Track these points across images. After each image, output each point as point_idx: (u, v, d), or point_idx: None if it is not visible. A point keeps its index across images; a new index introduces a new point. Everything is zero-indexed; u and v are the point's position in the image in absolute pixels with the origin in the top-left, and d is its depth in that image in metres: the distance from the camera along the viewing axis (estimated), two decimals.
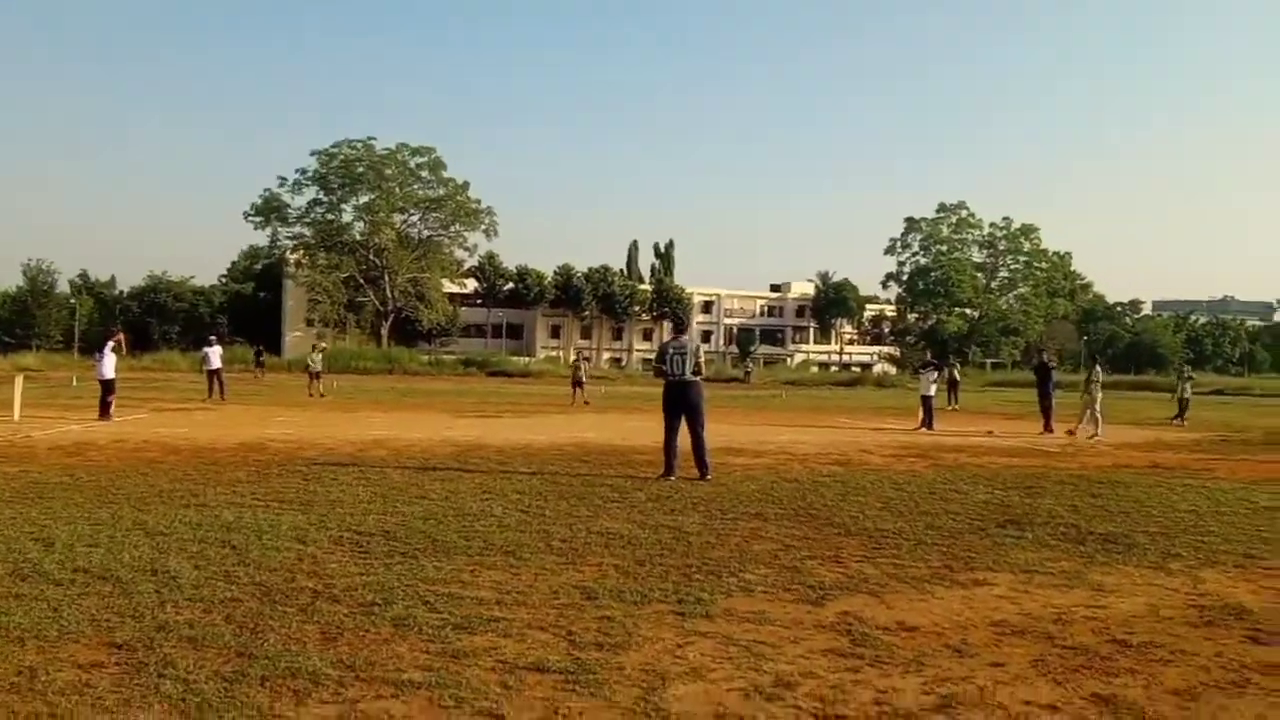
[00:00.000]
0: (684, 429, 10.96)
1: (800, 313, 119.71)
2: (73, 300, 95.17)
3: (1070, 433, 19.15)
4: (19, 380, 19.46)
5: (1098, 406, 19.40)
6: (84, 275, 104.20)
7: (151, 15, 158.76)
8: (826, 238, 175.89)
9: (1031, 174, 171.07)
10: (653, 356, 31.56)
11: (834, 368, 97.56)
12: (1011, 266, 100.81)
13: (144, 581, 5.53)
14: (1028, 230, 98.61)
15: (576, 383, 30.17)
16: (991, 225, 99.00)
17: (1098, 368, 20.66)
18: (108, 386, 18.32)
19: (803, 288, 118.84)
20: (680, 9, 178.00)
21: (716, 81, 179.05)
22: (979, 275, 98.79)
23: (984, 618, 5.24)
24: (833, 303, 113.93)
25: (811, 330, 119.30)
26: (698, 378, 11.13)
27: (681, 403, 10.99)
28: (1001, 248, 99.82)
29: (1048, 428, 20.03)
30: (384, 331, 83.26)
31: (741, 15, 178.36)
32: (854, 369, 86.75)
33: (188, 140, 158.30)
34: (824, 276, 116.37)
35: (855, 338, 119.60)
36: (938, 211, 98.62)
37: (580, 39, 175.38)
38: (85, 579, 5.57)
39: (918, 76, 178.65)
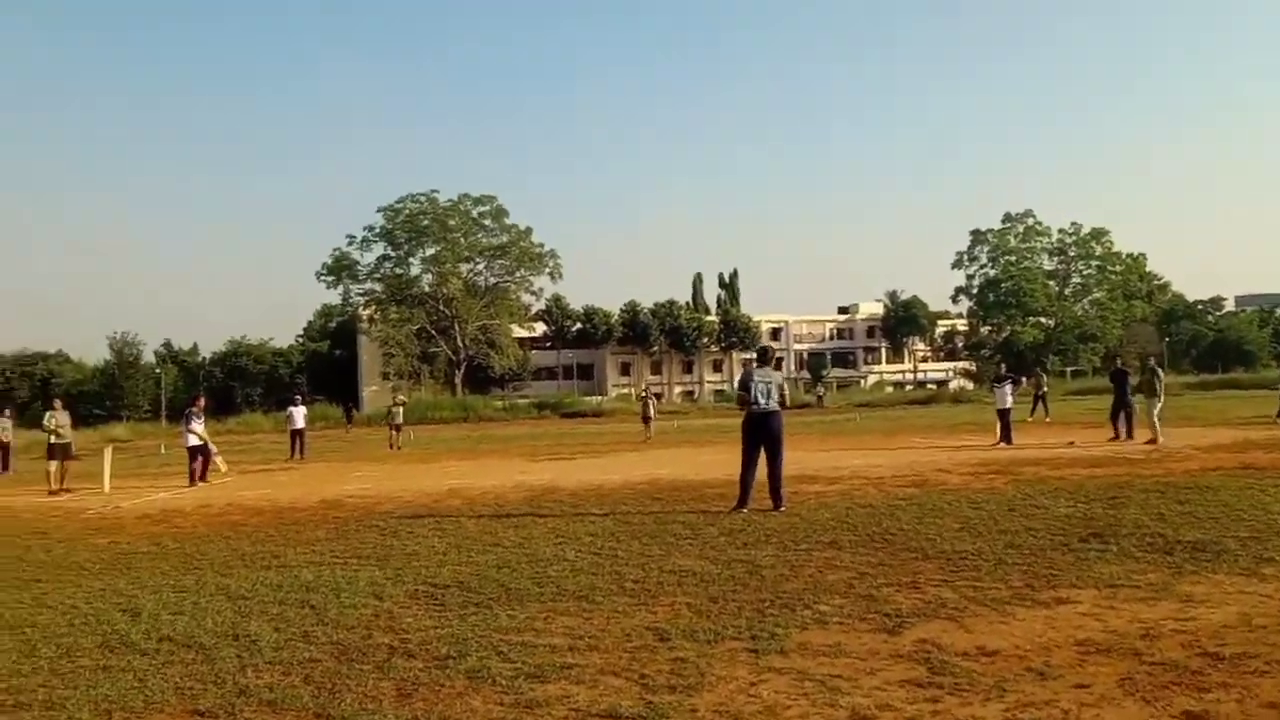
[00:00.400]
0: (762, 460, 10.89)
1: (871, 333, 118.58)
2: (158, 370, 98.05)
3: (1151, 443, 18.55)
4: (108, 452, 20.08)
5: (1155, 412, 18.77)
6: (167, 344, 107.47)
7: (218, 82, 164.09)
8: (893, 256, 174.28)
9: (1097, 176, 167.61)
10: (728, 389, 31.74)
11: (908, 386, 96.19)
12: (1084, 272, 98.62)
13: (226, 647, 5.64)
14: (1098, 234, 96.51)
15: (646, 418, 30.32)
16: (1060, 231, 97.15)
17: (1159, 369, 19.95)
18: (193, 453, 18.75)
19: (871, 308, 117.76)
20: (728, 41, 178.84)
21: (768, 109, 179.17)
22: (1051, 283, 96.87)
23: (1067, 637, 5.10)
24: (903, 321, 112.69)
25: (883, 350, 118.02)
26: (782, 408, 11.08)
27: (764, 433, 10.93)
28: (1072, 254, 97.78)
29: (1129, 434, 19.46)
30: (458, 380, 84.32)
31: (792, 43, 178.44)
32: (929, 386, 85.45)
33: (261, 203, 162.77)
34: (892, 295, 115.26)
35: (929, 355, 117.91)
36: (1004, 222, 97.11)
37: (630, 73, 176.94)
38: (170, 647, 5.70)
39: (974, 84, 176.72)
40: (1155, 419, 18.67)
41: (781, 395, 11.00)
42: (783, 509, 10.52)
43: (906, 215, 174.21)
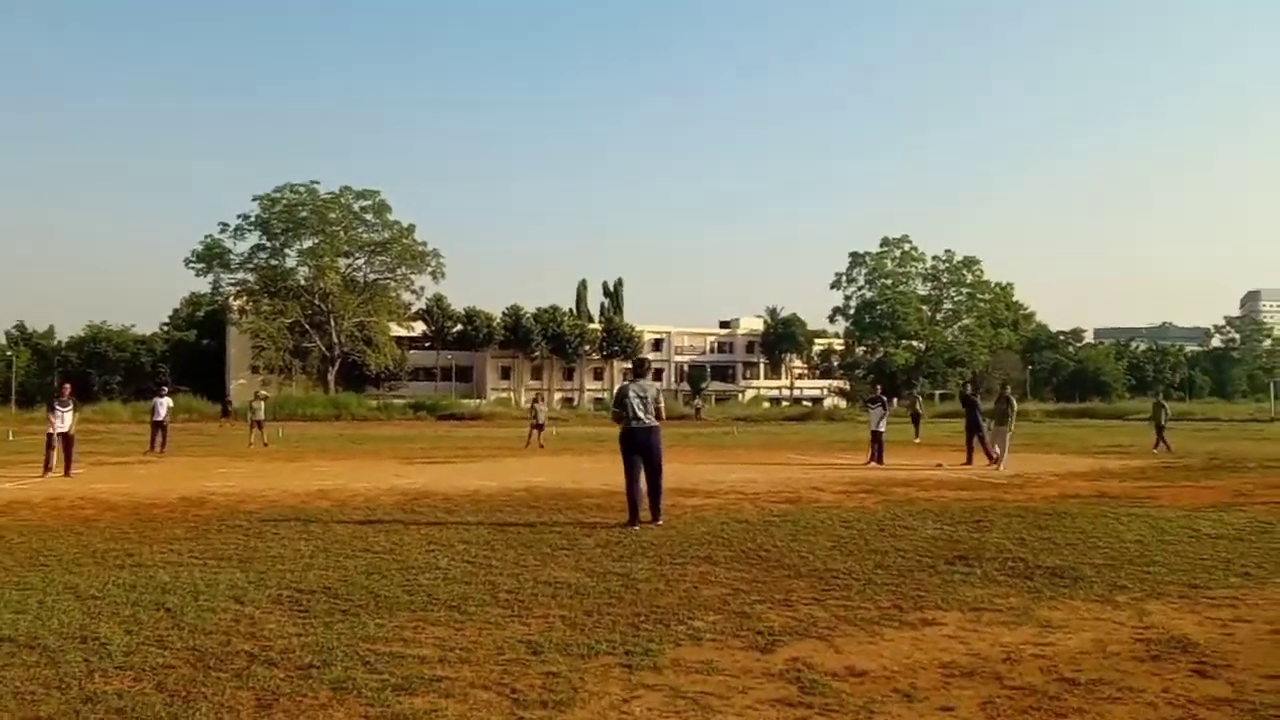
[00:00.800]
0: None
1: (750, 348, 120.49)
2: (10, 352, 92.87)
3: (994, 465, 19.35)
4: None
5: (1007, 438, 19.52)
6: (20, 326, 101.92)
7: (92, 58, 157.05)
8: (773, 273, 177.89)
9: (971, 205, 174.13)
10: (608, 397, 31.49)
11: (785, 403, 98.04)
12: (955, 298, 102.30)
13: (73, 650, 5.32)
14: (970, 262, 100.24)
15: (536, 425, 29.84)
16: (934, 258, 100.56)
17: (1011, 397, 20.69)
18: (50, 441, 17.75)
19: (752, 323, 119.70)
20: (622, 41, 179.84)
21: (662, 118, 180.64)
22: (924, 308, 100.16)
23: (933, 659, 5.20)
24: (782, 338, 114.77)
25: (762, 366, 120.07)
26: (658, 422, 10.88)
27: (643, 448, 10.77)
28: (945, 280, 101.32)
29: (969, 459, 20.31)
30: (331, 377, 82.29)
31: (683, 51, 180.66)
32: (805, 404, 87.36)
33: (127, 186, 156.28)
34: (772, 312, 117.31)
35: (805, 372, 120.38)
36: (881, 245, 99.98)
37: (522, 76, 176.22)
38: (10, 648, 5.36)
39: (859, 109, 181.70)
40: (1006, 444, 19.39)
41: (658, 408, 10.84)
42: (661, 522, 10.48)
43: (788, 233, 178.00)
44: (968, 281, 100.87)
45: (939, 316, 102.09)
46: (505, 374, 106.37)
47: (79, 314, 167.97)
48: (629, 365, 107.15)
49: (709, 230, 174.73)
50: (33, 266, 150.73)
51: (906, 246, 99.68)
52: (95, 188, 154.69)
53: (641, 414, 10.75)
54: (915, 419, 32.88)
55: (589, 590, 6.98)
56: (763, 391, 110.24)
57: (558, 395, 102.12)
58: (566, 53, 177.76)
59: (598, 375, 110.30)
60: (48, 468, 17.53)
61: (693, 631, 5.76)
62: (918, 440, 30.38)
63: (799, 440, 33.14)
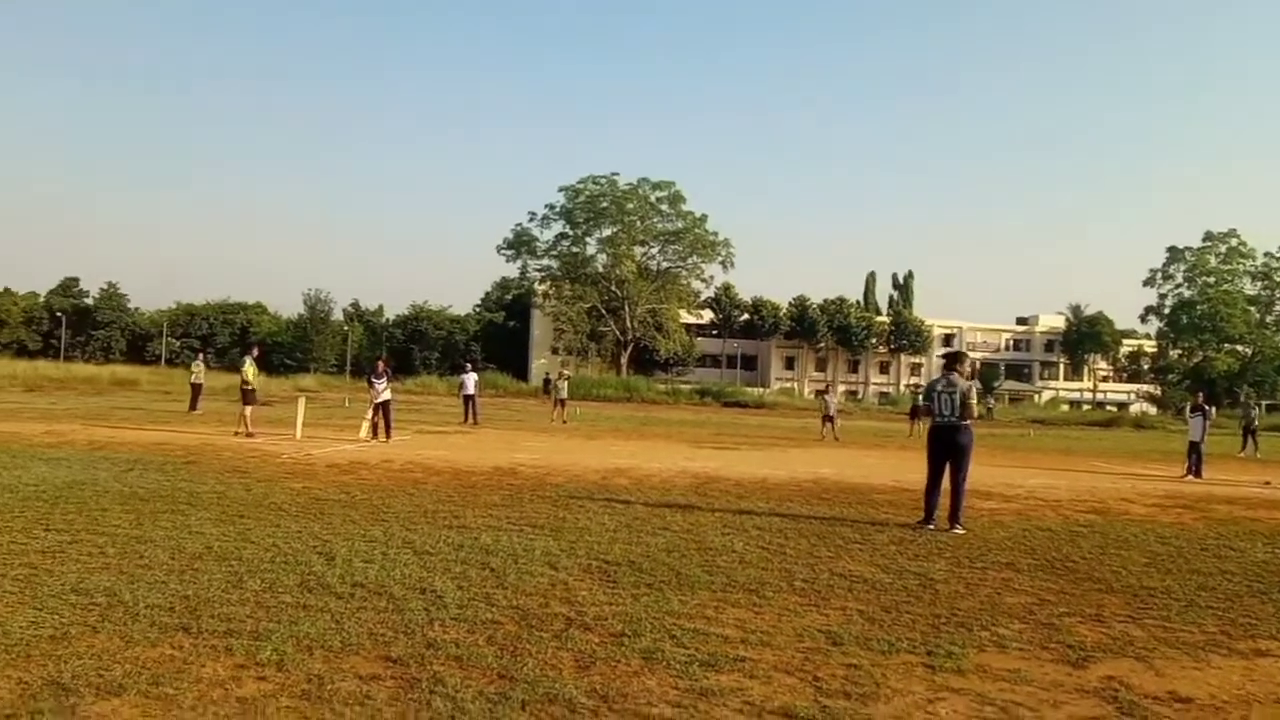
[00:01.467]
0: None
1: (1049, 347, 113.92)
2: (346, 327, 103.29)
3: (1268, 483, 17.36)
4: (301, 402, 21.30)
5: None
6: (355, 304, 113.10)
7: (417, 56, 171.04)
8: (1078, 268, 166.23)
9: None
10: (895, 392, 30.77)
11: (1086, 406, 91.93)
12: None
13: (414, 599, 5.93)
14: None
15: (828, 417, 29.81)
16: (1267, 255, 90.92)
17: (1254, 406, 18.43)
18: (376, 409, 19.63)
19: (1052, 320, 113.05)
20: (918, 36, 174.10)
21: (952, 106, 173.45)
22: (1252, 309, 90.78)
23: (1269, 693, 4.82)
24: (1085, 337, 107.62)
25: (1062, 366, 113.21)
26: (967, 421, 10.41)
27: (949, 447, 10.37)
28: (1278, 279, 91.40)
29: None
30: (623, 360, 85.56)
31: (982, 35, 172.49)
32: (1109, 408, 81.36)
33: (448, 176, 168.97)
34: (1075, 309, 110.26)
35: (1110, 375, 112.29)
36: (1204, 240, 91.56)
37: (815, 72, 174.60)
38: (363, 594, 6.04)
39: (1177, 93, 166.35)
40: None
41: (966, 407, 10.31)
42: (959, 529, 9.97)
43: (1096, 226, 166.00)
44: None
45: (1269, 319, 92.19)
46: (789, 364, 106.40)
47: (405, 295, 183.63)
48: (941, 355, 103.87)
49: (1005, 221, 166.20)
50: (367, 250, 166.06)
51: (1234, 241, 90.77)
52: (421, 183, 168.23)
53: (947, 410, 10.37)
54: (1248, 432, 29.93)
55: (886, 586, 6.96)
56: (1062, 393, 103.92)
57: (841, 388, 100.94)
58: (865, 42, 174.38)
59: (883, 369, 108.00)
60: (374, 433, 19.38)
61: (997, 638, 5.62)
62: (1242, 454, 27.68)
63: (1103, 447, 31.05)
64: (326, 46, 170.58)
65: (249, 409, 19.67)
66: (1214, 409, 29.18)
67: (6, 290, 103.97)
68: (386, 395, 19.73)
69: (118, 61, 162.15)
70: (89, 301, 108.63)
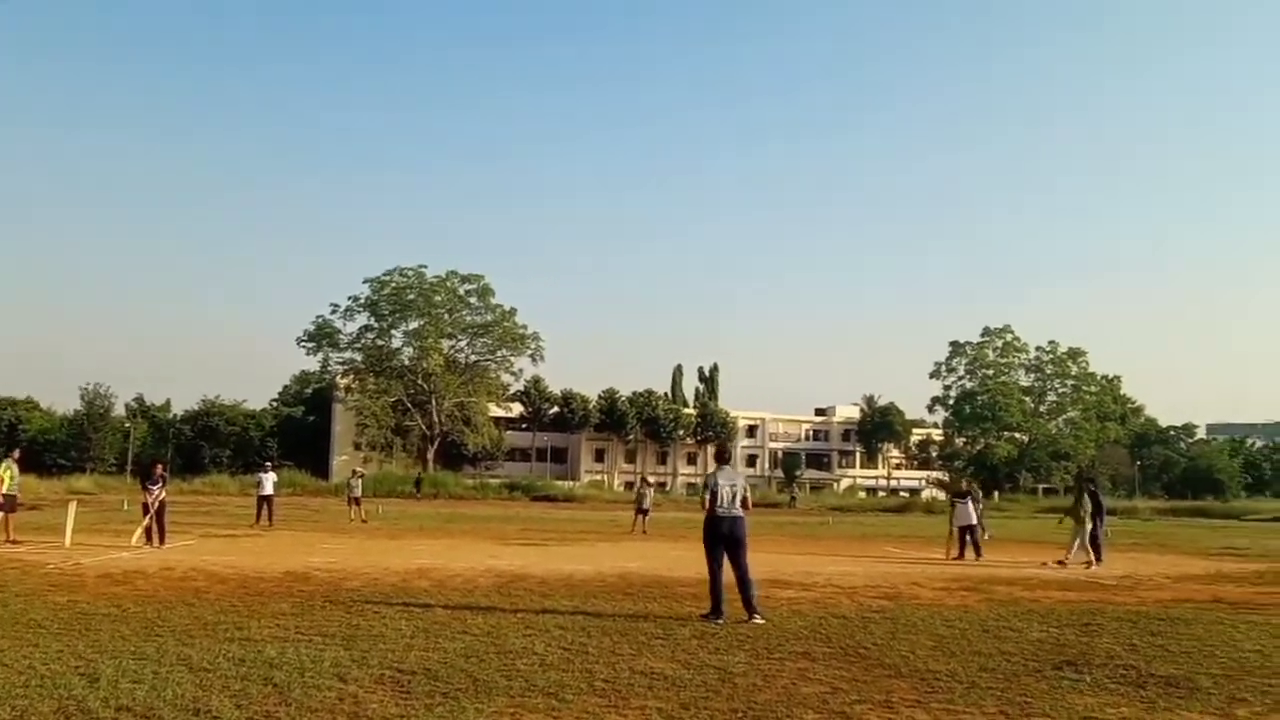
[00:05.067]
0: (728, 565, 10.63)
1: (846, 436, 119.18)
2: (128, 424, 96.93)
3: (1060, 563, 18.63)
4: (72, 507, 19.75)
5: (1087, 533, 18.79)
6: (140, 399, 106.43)
7: (208, 144, 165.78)
8: (870, 361, 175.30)
9: (1075, 295, 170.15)
10: (698, 484, 30.99)
11: (882, 493, 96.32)
12: (1060, 390, 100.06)
13: None
14: (1075, 354, 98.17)
15: (641, 510, 29.43)
16: (1038, 349, 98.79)
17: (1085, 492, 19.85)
18: (156, 513, 18.47)
19: (848, 411, 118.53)
20: (713, 133, 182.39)
21: (755, 207, 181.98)
22: (1027, 399, 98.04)
23: None
24: (879, 426, 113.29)
25: (858, 454, 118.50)
26: (744, 512, 10.67)
27: (729, 537, 10.53)
28: (1049, 371, 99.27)
29: (1098, 558, 19.42)
30: (430, 455, 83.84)
31: (776, 140, 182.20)
32: (902, 494, 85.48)
33: (242, 265, 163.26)
34: (869, 400, 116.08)
35: (902, 462, 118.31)
36: (982, 335, 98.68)
37: (616, 161, 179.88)
38: (129, 718, 5.56)
39: (953, 199, 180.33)
40: (1088, 542, 18.70)
41: (745, 498, 10.62)
42: (758, 619, 10.05)
43: (885, 321, 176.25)
44: (1073, 373, 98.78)
45: (1043, 408, 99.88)
46: (599, 456, 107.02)
47: (194, 389, 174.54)
48: (715, 451, 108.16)
49: (804, 318, 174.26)
50: (150, 342, 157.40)
51: (1009, 336, 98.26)
52: (213, 267, 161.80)
53: (729, 503, 10.57)
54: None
55: (685, 683, 6.94)
56: (859, 481, 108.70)
57: (650, 479, 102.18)
58: (663, 135, 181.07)
59: (691, 460, 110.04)
60: (148, 539, 18.21)
61: None
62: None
63: (897, 533, 32.40)
64: (113, 108, 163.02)
65: (8, 516, 18.09)
66: (980, 493, 30.62)
67: None
68: (162, 498, 18.68)
69: None
70: None
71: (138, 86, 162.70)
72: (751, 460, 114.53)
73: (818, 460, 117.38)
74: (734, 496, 10.59)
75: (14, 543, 17.30)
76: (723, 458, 11.54)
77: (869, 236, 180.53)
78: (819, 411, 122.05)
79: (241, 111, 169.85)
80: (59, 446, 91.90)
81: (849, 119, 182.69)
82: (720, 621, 10.05)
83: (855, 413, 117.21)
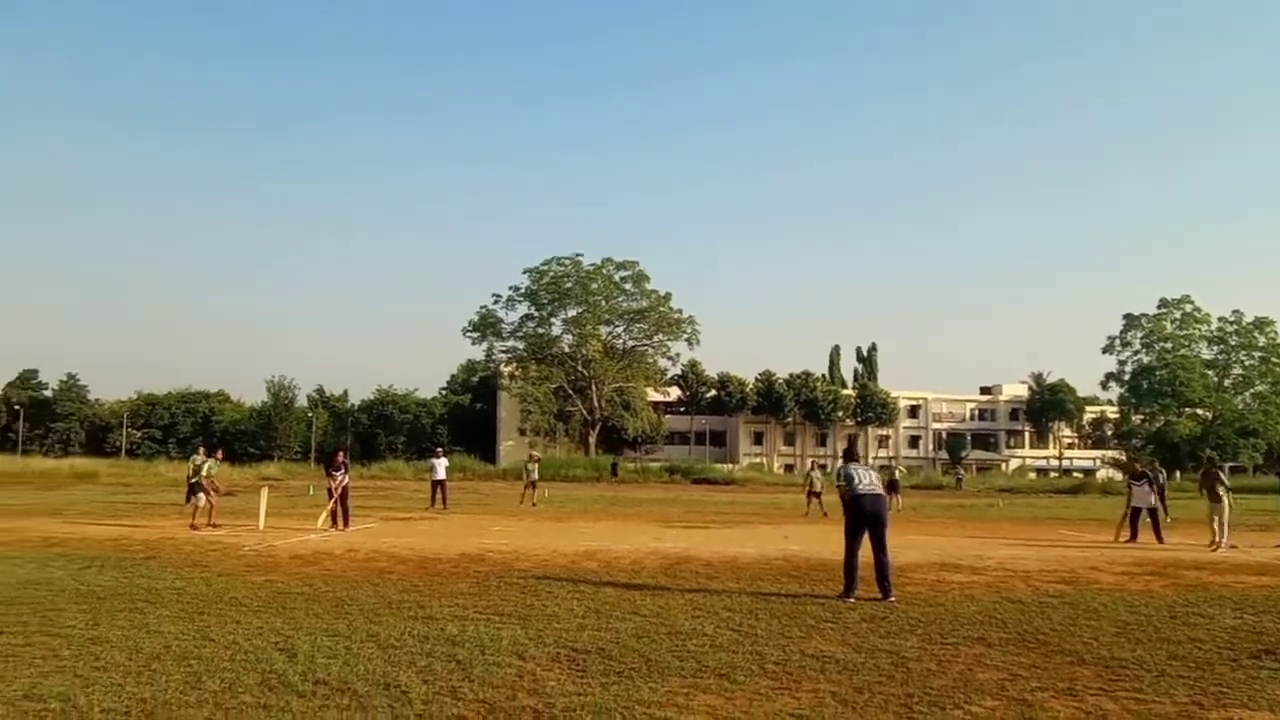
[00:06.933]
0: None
1: (1014, 415, 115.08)
2: (310, 414, 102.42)
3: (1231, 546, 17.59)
4: (264, 492, 20.99)
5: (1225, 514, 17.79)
6: (320, 390, 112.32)
7: (375, 143, 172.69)
8: (1038, 336, 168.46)
9: (1260, 261, 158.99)
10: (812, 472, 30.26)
11: (1053, 474, 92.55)
12: (1246, 363, 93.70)
13: (378, 695, 5.80)
14: (1262, 324, 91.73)
15: (814, 493, 28.99)
16: (1220, 320, 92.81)
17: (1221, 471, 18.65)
18: (340, 497, 19.48)
19: (1015, 389, 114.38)
20: (873, 115, 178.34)
21: (915, 177, 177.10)
22: (1210, 373, 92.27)
23: None
24: (1049, 404, 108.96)
25: (1027, 434, 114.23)
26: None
27: (874, 516, 10.60)
28: (1233, 343, 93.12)
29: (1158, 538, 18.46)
30: (591, 439, 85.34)
31: (941, 116, 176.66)
32: (1075, 475, 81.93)
33: (414, 259, 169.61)
34: (1038, 377, 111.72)
35: (1075, 441, 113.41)
36: (1159, 307, 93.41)
37: (775, 145, 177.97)
38: (325, 691, 5.90)
39: (1123, 163, 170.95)
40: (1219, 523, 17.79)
41: (893, 481, 10.89)
42: (894, 599, 10.15)
43: (1055, 294, 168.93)
44: (1260, 345, 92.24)
45: (1227, 382, 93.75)
46: (758, 439, 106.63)
47: (370, 380, 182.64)
48: (886, 433, 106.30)
49: (967, 293, 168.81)
50: (331, 336, 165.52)
51: (1188, 307, 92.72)
52: (387, 261, 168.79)
53: (867, 480, 10.73)
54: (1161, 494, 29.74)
55: (857, 666, 6.89)
56: (1028, 461, 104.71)
57: (809, 461, 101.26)
58: (827, 119, 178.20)
59: (851, 442, 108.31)
60: (333, 522, 19.22)
61: (971, 717, 5.57)
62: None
63: (1070, 515, 31.15)
64: (292, 136, 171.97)
65: (208, 498, 19.36)
66: (1164, 474, 29.01)
67: None
68: (345, 484, 19.69)
69: (73, 156, 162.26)
70: (48, 393, 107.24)
71: (327, 87, 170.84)
72: (914, 441, 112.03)
73: (984, 441, 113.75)
74: (872, 477, 10.80)
75: (214, 526, 18.58)
76: (851, 455, 11.66)
77: (1032, 205, 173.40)
78: (984, 390, 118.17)
79: (410, 116, 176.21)
80: (248, 436, 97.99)
81: (1022, 70, 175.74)
82: (851, 600, 10.12)
83: (1023, 391, 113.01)
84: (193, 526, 18.62)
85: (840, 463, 11.19)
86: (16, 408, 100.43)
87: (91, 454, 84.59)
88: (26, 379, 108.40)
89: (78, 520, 20.47)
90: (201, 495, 19.56)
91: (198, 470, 20.41)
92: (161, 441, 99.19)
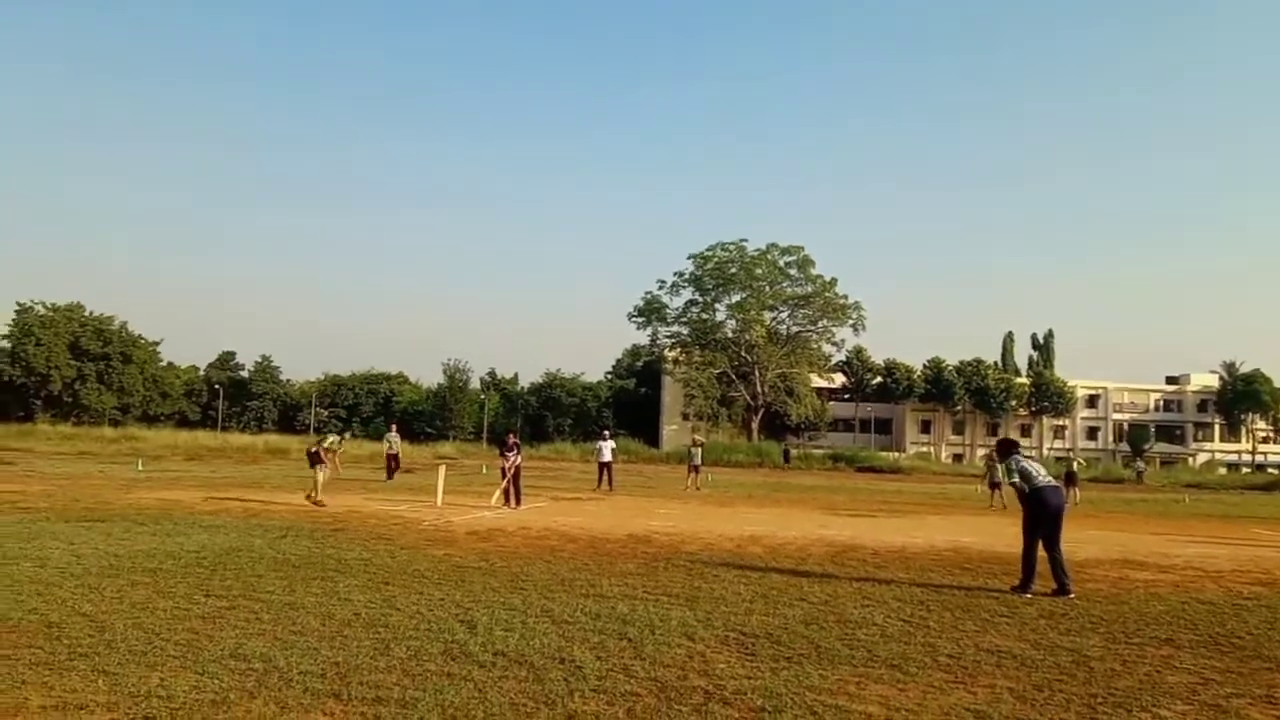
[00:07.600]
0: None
1: (1202, 407, 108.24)
2: (483, 396, 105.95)
3: None
4: (441, 470, 21.85)
5: None
6: (492, 373, 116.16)
7: (539, 149, 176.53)
8: (1230, 323, 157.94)
9: None
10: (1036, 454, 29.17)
11: (1245, 469, 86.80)
12: None
13: (554, 669, 6.00)
14: None
15: (994, 484, 28.33)
16: None
17: None
18: (513, 477, 20.05)
19: (1204, 379, 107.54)
20: (1036, 102, 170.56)
21: (1096, 161, 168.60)
22: None
23: None
24: (1242, 395, 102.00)
25: (1217, 427, 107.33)
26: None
27: (1057, 510, 10.40)
28: None
29: None
30: (754, 425, 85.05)
31: (1108, 81, 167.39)
32: (1270, 471, 76.59)
33: (579, 244, 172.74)
34: (1229, 366, 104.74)
35: (1270, 435, 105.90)
36: None
37: (947, 126, 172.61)
38: (504, 663, 6.14)
39: None
40: None
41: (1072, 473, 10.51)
42: (1073, 594, 9.86)
43: (1247, 278, 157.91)
44: None
45: None
46: (925, 428, 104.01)
47: (539, 363, 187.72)
48: (1061, 423, 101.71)
49: (1150, 277, 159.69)
50: (503, 320, 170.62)
51: None
52: (553, 253, 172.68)
53: (1047, 475, 10.55)
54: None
55: (1037, 663, 6.70)
56: (1218, 456, 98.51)
57: (980, 451, 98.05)
58: (997, 100, 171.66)
59: (1025, 432, 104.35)
60: (506, 500, 19.86)
61: None
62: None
63: (1266, 514, 29.19)
64: (478, 133, 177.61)
65: (325, 472, 19.36)
66: None
67: (170, 364, 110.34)
68: (518, 463, 20.36)
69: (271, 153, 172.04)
70: (244, 374, 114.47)
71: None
72: (1092, 433, 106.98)
73: (1169, 433, 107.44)
74: (1045, 471, 10.66)
75: (318, 504, 18.02)
76: (1010, 450, 11.30)
77: (1217, 181, 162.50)
78: (1170, 380, 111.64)
79: (581, 97, 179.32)
80: (426, 416, 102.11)
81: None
82: (1029, 595, 9.85)
83: (1213, 381, 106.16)
84: (315, 501, 18.33)
85: (1011, 459, 10.85)
86: (217, 387, 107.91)
87: (282, 431, 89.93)
88: (225, 360, 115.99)
89: (274, 493, 21.73)
90: (319, 468, 19.19)
91: (319, 442, 20.49)
92: (346, 420, 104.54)
